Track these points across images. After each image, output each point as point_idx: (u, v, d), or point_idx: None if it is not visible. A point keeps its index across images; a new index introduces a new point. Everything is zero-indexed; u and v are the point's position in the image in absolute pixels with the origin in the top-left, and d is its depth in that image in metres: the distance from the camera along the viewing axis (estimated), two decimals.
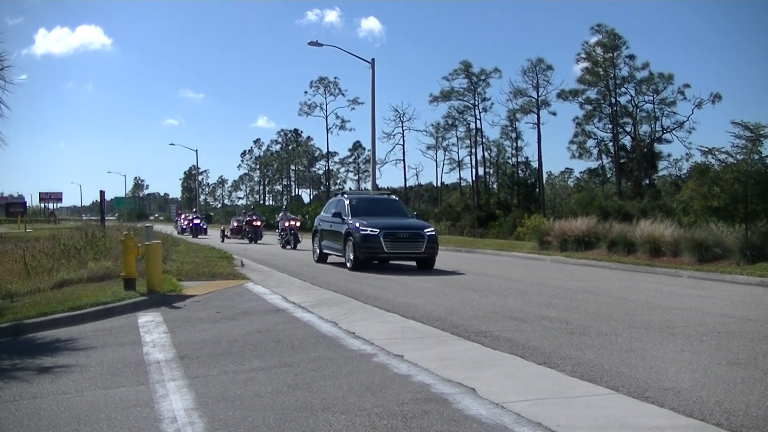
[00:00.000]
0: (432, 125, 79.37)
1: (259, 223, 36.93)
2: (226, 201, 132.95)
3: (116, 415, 5.33)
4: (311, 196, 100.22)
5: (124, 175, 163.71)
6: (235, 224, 39.44)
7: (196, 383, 6.26)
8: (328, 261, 20.74)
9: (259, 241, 36.27)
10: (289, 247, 30.17)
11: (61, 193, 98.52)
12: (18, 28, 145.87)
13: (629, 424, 4.90)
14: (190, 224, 46.52)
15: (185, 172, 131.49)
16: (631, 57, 61.09)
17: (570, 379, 6.22)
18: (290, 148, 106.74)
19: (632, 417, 5.06)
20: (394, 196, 22.30)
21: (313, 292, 13.07)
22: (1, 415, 5.43)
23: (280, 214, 34.55)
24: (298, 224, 31.82)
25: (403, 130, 79.60)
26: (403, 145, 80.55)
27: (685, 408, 5.25)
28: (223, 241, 36.87)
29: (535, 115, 67.66)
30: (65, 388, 6.26)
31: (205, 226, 48.49)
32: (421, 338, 8.33)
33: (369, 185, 52.42)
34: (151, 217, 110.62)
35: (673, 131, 61.94)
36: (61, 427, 5.08)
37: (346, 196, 20.79)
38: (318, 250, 21.17)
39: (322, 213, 22.19)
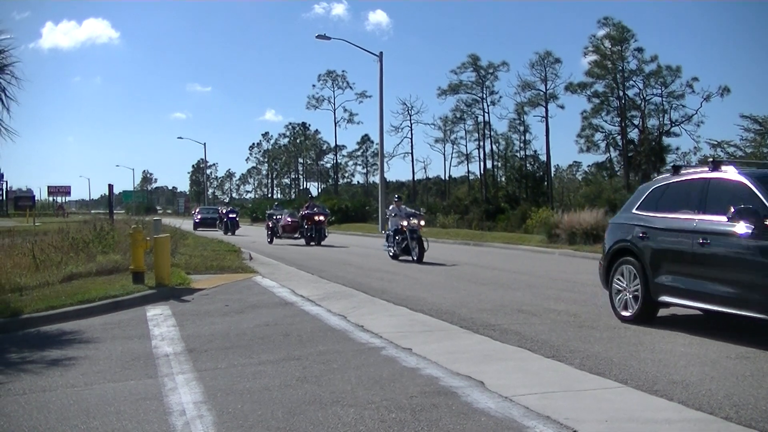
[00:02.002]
0: (440, 118, 79.46)
1: (322, 218, 27.57)
2: (234, 194, 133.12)
3: (125, 408, 5.35)
4: (319, 190, 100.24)
5: (133, 169, 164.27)
6: (289, 220, 29.37)
7: (204, 376, 6.28)
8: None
9: (322, 243, 27.49)
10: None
11: (70, 187, 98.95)
12: (25, 22, 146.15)
13: (638, 417, 4.89)
14: (225, 218, 40.08)
15: (193, 166, 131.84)
16: (639, 50, 60.96)
17: (578, 373, 6.21)
18: (298, 141, 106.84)
19: (641, 410, 5.04)
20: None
21: (321, 285, 13.08)
22: (11, 408, 5.46)
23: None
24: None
25: (411, 124, 79.75)
26: (411, 139, 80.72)
27: (694, 401, 5.23)
28: (271, 241, 29.22)
29: (543, 109, 67.72)
30: (74, 381, 6.29)
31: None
32: (430, 331, 8.33)
33: (377, 178, 52.45)
34: (159, 210, 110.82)
35: (682, 124, 61.91)
36: (71, 420, 5.10)
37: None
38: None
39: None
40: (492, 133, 74.42)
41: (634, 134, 64.10)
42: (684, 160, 71.54)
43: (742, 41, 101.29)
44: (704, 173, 8.21)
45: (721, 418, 4.87)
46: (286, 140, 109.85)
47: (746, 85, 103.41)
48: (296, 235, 28.58)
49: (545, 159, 70.65)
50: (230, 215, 40.00)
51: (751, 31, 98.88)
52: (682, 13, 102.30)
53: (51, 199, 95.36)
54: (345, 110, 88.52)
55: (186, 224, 40.47)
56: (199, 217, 48.17)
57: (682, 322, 8.76)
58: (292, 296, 11.55)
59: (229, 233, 37.98)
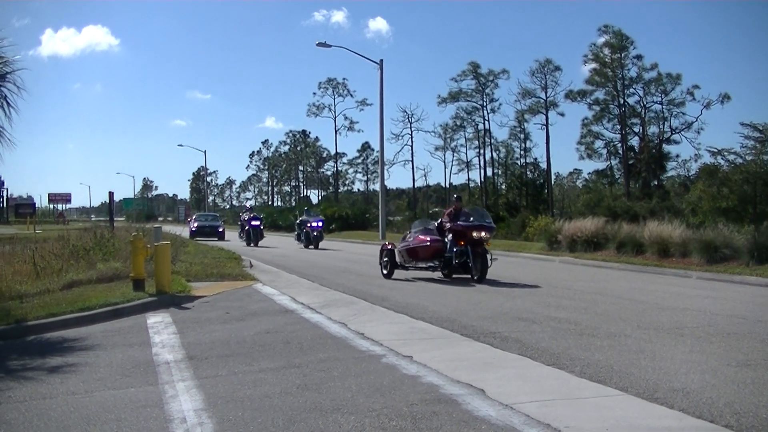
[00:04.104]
0: (440, 126, 79.40)
1: (484, 234, 15.28)
2: (234, 202, 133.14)
3: (126, 415, 5.35)
4: (319, 197, 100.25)
5: (133, 176, 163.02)
6: (428, 240, 15.71)
7: (205, 384, 6.28)
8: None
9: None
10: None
11: (70, 194, 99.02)
12: (24, 29, 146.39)
13: (638, 425, 4.89)
14: (247, 226, 33.32)
15: (194, 173, 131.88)
16: (639, 57, 60.98)
17: (579, 380, 6.21)
18: (298, 148, 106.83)
19: (641, 418, 5.05)
20: None
21: (321, 292, 13.08)
22: (11, 416, 5.46)
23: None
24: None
25: (411, 131, 79.60)
26: (412, 146, 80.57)
27: (694, 409, 5.23)
28: (388, 274, 16.11)
29: (544, 116, 67.68)
30: (75, 388, 6.29)
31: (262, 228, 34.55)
32: (430, 339, 8.33)
33: (378, 186, 52.42)
34: (160, 218, 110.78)
35: (682, 132, 61.80)
36: (71, 427, 5.11)
37: None
38: None
39: None
40: (492, 140, 74.46)
41: (634, 142, 64.09)
42: (684, 167, 71.88)
43: (742, 49, 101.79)
44: None
45: (722, 426, 4.87)
46: (286, 148, 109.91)
47: (746, 93, 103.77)
48: (435, 262, 15.75)
49: (545, 166, 70.64)
50: (253, 222, 33.10)
51: (751, 39, 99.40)
52: (682, 21, 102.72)
53: (51, 206, 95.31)
54: (345, 118, 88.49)
55: (187, 232, 39.03)
56: (195, 225, 41.35)
57: (683, 330, 8.76)
58: (292, 304, 11.55)
59: (252, 245, 32.11)
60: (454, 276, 15.71)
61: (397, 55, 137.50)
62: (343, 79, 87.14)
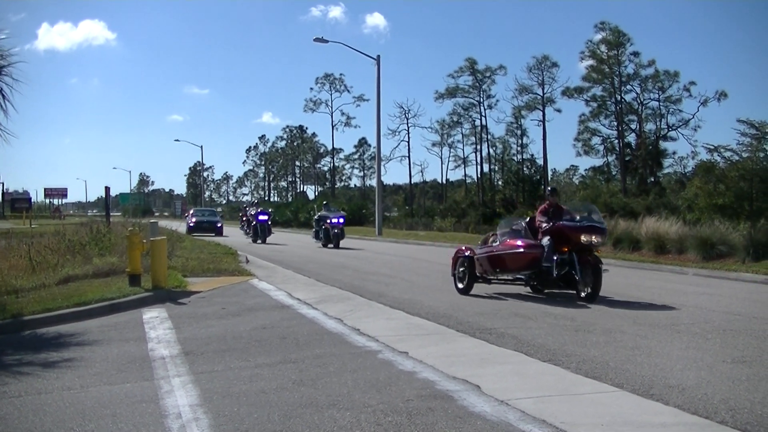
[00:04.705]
0: (437, 122, 79.24)
1: (595, 239, 11.76)
2: (231, 197, 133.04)
3: (121, 410, 5.34)
4: (316, 193, 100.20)
5: (129, 171, 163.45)
6: (520, 245, 11.80)
7: (201, 379, 6.27)
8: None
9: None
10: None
11: (66, 189, 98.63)
12: (21, 23, 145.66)
13: (634, 421, 4.89)
14: (253, 221, 31.64)
15: (190, 168, 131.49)
16: (636, 54, 60.96)
17: (575, 377, 6.21)
18: (295, 144, 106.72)
19: (637, 414, 5.05)
20: None
21: (317, 288, 13.07)
22: (6, 411, 5.45)
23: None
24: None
25: (408, 127, 79.50)
26: (408, 142, 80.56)
27: (690, 406, 5.24)
28: (464, 288, 12.55)
29: (541, 113, 67.61)
30: (70, 383, 6.28)
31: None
32: (426, 335, 8.33)
33: (374, 182, 52.46)
34: (156, 213, 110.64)
35: (679, 129, 61.80)
36: (67, 422, 5.10)
37: None
38: None
39: None
40: (489, 136, 74.39)
41: (631, 138, 64.08)
42: (681, 164, 71.92)
43: (739, 46, 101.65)
44: None
45: (717, 422, 4.88)
46: (283, 143, 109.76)
47: (744, 90, 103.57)
48: (525, 273, 12.06)
49: (542, 163, 70.62)
50: (261, 217, 31.33)
51: (748, 36, 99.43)
52: (679, 18, 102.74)
53: (48, 201, 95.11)
54: (342, 113, 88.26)
55: (183, 227, 38.89)
56: (193, 220, 41.01)
57: (679, 327, 8.77)
58: (288, 299, 11.55)
59: (260, 241, 30.78)
60: (549, 291, 12.28)
61: (395, 50, 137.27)
62: (340, 74, 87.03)
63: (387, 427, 4.80)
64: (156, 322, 9.55)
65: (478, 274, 12.42)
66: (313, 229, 29.81)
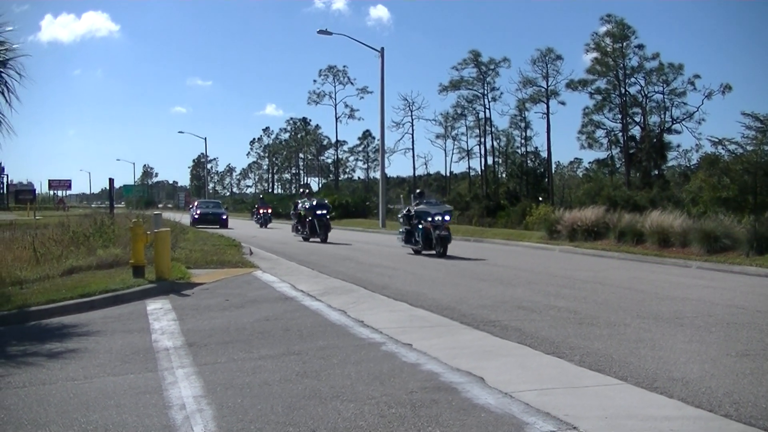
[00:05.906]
0: (441, 114, 79.49)
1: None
2: (234, 189, 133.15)
3: (125, 401, 5.35)
4: (320, 185, 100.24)
5: (133, 163, 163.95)
6: None
7: (204, 371, 6.28)
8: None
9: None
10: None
11: (70, 181, 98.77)
12: (24, 15, 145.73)
13: (638, 414, 4.89)
14: (310, 216, 26.20)
15: (194, 160, 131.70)
16: (641, 47, 60.82)
17: (578, 369, 6.21)
18: (299, 136, 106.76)
19: (641, 407, 5.05)
20: None
21: (321, 280, 13.07)
22: (11, 401, 5.46)
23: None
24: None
25: (412, 119, 79.63)
26: (412, 134, 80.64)
27: (693, 399, 5.23)
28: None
29: (545, 105, 67.64)
30: (74, 374, 6.30)
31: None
32: (430, 327, 8.33)
33: (378, 174, 52.32)
34: (160, 205, 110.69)
35: (683, 122, 61.78)
36: (71, 413, 5.11)
37: None
38: None
39: None
40: (493, 129, 74.44)
41: (635, 131, 64.03)
42: (685, 157, 71.80)
43: (744, 39, 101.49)
44: None
45: (721, 415, 4.88)
46: (286, 135, 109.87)
47: (748, 83, 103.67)
48: None
49: (546, 155, 70.62)
50: (319, 211, 26.73)
51: (753, 29, 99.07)
52: (684, 11, 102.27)
53: (52, 192, 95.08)
54: (346, 105, 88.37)
55: (186, 219, 38.72)
56: (198, 212, 40.52)
57: (683, 320, 8.76)
58: (292, 291, 11.55)
59: (320, 240, 25.95)
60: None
61: (398, 43, 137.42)
62: (344, 66, 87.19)
63: (391, 419, 4.80)
64: (160, 313, 9.57)
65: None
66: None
